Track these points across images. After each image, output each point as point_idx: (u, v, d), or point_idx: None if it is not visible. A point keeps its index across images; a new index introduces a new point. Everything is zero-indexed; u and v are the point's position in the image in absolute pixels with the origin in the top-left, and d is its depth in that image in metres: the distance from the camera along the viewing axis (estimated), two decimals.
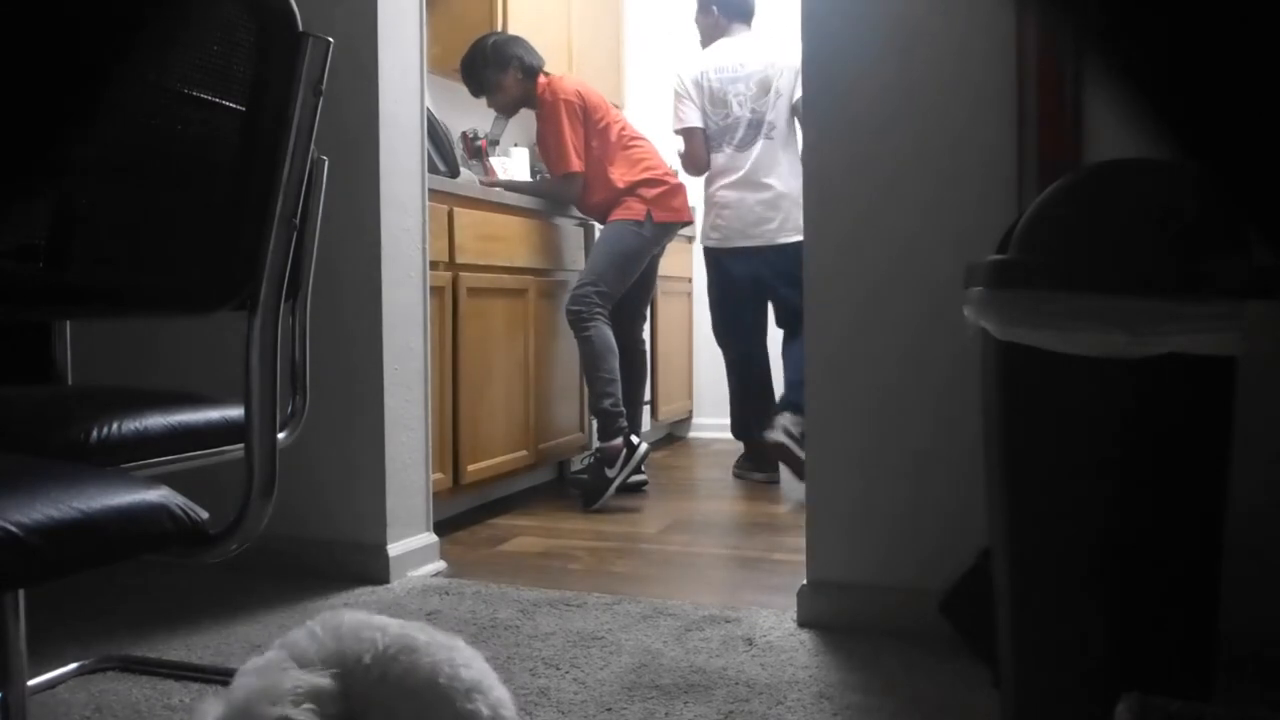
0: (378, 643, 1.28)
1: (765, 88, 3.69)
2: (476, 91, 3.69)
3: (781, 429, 3.58)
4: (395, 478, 2.51)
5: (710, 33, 3.89)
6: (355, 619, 1.32)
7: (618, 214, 3.62)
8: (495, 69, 3.61)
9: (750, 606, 2.24)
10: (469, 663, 1.30)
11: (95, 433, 1.23)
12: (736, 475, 4.00)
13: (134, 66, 0.86)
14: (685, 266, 4.86)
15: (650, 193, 3.62)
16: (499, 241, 3.31)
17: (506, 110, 3.75)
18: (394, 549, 2.47)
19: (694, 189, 3.89)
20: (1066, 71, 1.90)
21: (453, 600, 2.27)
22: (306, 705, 1.17)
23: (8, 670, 1.43)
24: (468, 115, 4.12)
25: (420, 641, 1.29)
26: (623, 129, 3.73)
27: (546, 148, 3.69)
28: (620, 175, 3.64)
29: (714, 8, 3.86)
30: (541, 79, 3.65)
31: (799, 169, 2.69)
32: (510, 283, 3.38)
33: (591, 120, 3.64)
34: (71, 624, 2.08)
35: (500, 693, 1.30)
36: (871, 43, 2.05)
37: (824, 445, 2.12)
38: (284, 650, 1.25)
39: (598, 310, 3.47)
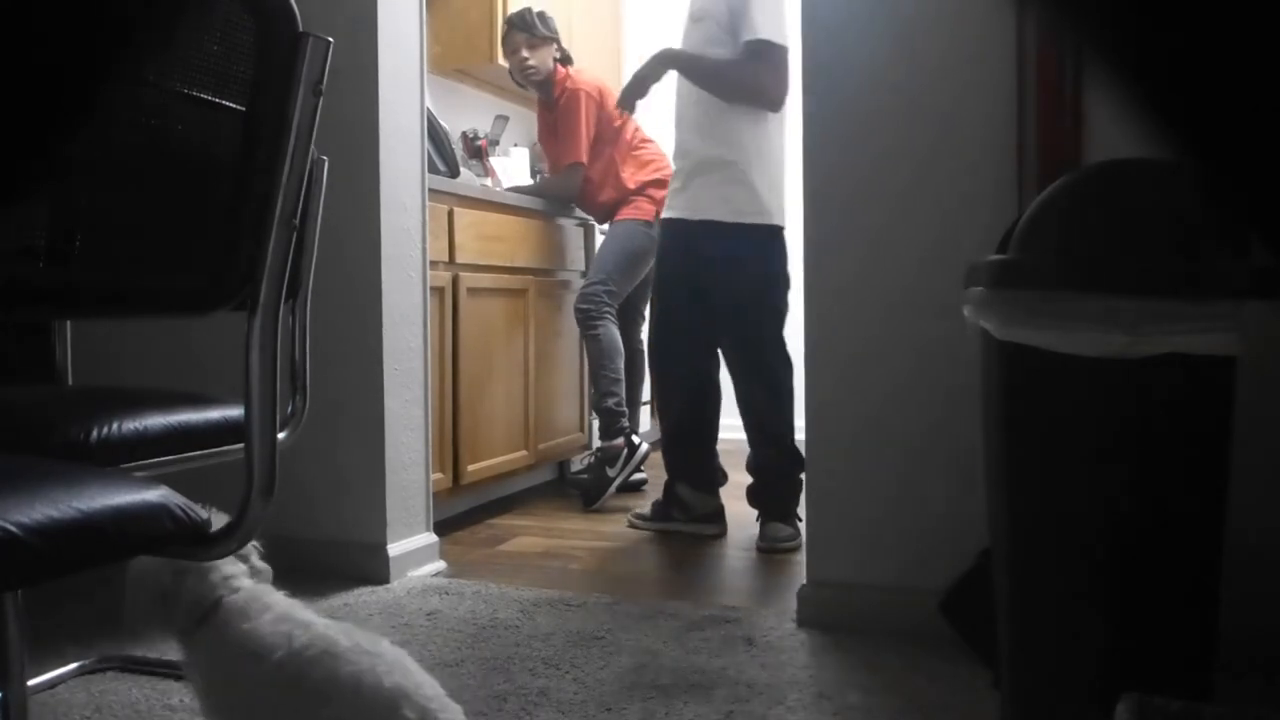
0: (294, 639, 1.18)
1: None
2: (520, 34, 3.63)
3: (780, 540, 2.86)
4: (395, 478, 2.51)
5: None
6: (283, 608, 1.23)
7: (626, 213, 3.62)
8: (546, 34, 3.63)
9: (750, 606, 2.24)
10: (391, 669, 1.17)
11: (95, 433, 1.23)
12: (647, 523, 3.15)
13: (133, 66, 0.86)
14: None
15: (659, 193, 3.62)
16: (499, 241, 3.30)
17: (519, 73, 3.71)
18: (394, 549, 2.47)
19: None
20: (1066, 71, 1.90)
21: (453, 600, 2.27)
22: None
23: (8, 670, 1.42)
24: (468, 115, 4.12)
25: (342, 646, 1.18)
26: (635, 130, 3.75)
27: (556, 137, 3.69)
28: (631, 175, 3.65)
29: None
30: (561, 70, 3.67)
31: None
32: (510, 283, 3.38)
33: (607, 118, 3.65)
34: (71, 624, 2.08)
35: (432, 690, 1.18)
36: (872, 45, 2.05)
37: (824, 446, 2.12)
38: None
39: (606, 309, 3.47)
